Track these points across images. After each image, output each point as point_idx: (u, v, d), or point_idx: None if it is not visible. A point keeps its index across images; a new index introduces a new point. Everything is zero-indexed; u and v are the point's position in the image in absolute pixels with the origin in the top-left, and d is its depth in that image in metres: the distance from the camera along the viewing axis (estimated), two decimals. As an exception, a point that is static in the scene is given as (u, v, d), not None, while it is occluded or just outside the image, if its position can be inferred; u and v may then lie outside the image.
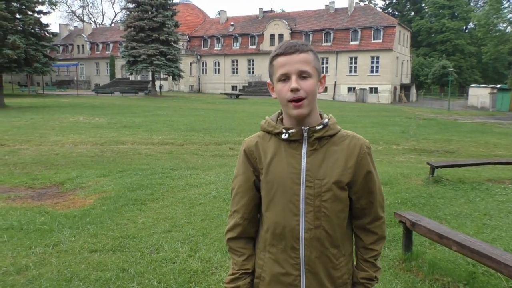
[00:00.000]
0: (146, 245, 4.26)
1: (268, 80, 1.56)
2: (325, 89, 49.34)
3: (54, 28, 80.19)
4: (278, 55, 1.45)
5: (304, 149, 1.47)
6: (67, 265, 3.77)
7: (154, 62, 41.82)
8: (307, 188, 1.46)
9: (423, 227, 3.71)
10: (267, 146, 1.52)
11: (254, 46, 54.42)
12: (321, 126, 1.47)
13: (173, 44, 44.68)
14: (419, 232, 3.81)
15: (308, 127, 1.46)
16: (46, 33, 30.53)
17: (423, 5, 74.78)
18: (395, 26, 46.51)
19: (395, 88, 48.05)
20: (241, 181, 1.58)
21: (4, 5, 25.30)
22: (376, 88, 46.43)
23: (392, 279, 3.62)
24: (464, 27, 71.37)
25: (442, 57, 63.92)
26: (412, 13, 77.56)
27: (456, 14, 69.49)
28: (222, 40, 56.87)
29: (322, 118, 1.52)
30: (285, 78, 1.44)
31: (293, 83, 1.41)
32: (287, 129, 1.47)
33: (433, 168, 7.41)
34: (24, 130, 14.80)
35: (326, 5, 53.80)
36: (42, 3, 30.19)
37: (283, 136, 1.48)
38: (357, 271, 1.59)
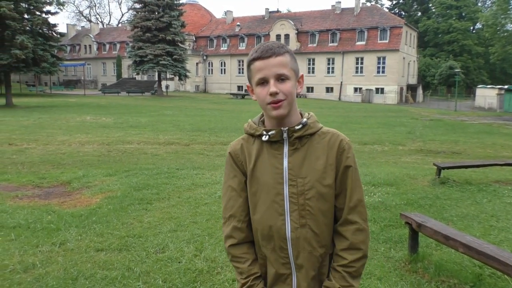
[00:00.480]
0: (151, 245, 4.28)
1: (247, 83, 1.58)
2: (331, 90, 49.29)
3: (61, 28, 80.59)
4: (254, 59, 1.46)
5: (285, 149, 1.49)
6: (73, 263, 3.80)
7: (160, 62, 41.98)
8: (290, 187, 1.47)
9: (429, 228, 3.69)
10: (251, 149, 1.54)
11: (260, 46, 54.33)
12: (300, 126, 1.48)
13: (180, 44, 44.83)
14: (425, 234, 3.79)
15: (287, 127, 1.47)
16: (53, 33, 30.72)
17: (430, 5, 74.42)
18: (401, 27, 46.31)
19: (401, 89, 47.84)
20: (233, 184, 1.57)
21: (12, 6, 25.50)
22: (382, 89, 46.26)
23: (397, 280, 3.61)
24: (471, 28, 70.93)
25: (449, 57, 63.55)
26: (419, 13, 77.20)
27: (463, 14, 69.07)
28: (228, 40, 56.94)
29: (302, 117, 1.52)
30: (263, 82, 1.45)
31: (272, 87, 1.42)
32: (267, 130, 1.49)
33: (439, 169, 7.37)
34: (31, 130, 14.91)
35: (332, 5, 53.70)
36: (50, 4, 30.37)
37: (263, 138, 1.49)
38: (326, 280, 1.52)
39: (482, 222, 5.22)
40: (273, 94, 1.42)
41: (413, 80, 52.26)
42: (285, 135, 1.48)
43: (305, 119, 1.50)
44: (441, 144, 14.02)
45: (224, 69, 57.24)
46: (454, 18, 67.50)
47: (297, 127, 1.48)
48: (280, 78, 1.43)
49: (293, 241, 1.48)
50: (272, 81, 1.43)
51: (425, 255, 4.01)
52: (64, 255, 4.01)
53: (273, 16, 56.73)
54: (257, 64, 1.45)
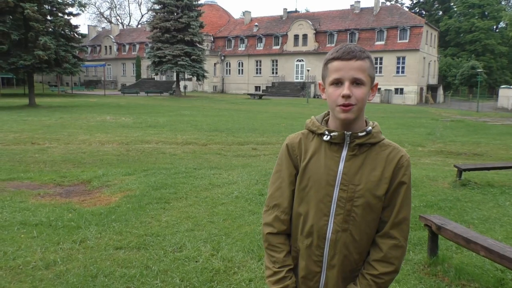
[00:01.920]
0: (169, 244, 4.32)
1: (320, 81, 1.57)
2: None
3: (83, 30, 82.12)
4: (334, 58, 1.46)
5: (344, 153, 1.49)
6: (93, 261, 3.86)
7: (179, 62, 42.34)
8: (340, 191, 1.48)
9: (449, 231, 3.63)
10: (309, 145, 1.55)
11: (278, 47, 54.37)
12: (364, 133, 1.48)
13: (198, 45, 45.15)
14: (445, 236, 3.73)
15: (350, 132, 1.47)
16: (75, 35, 31.31)
17: (452, 4, 73.11)
18: (422, 26, 45.62)
19: (421, 89, 47.14)
20: (284, 176, 1.58)
21: (36, 7, 26.08)
22: (401, 89, 45.67)
23: (416, 283, 3.56)
24: (494, 27, 69.36)
25: (471, 57, 62.33)
26: (440, 13, 75.95)
27: (486, 13, 67.63)
28: (246, 40, 57.05)
29: (367, 125, 1.51)
30: (338, 82, 1.44)
31: (346, 89, 1.42)
32: (330, 131, 1.49)
33: (460, 171, 7.24)
34: (53, 129, 15.23)
35: (351, 5, 53.28)
36: (72, 5, 30.97)
37: (325, 137, 1.50)
38: (351, 284, 1.53)
39: (505, 225, 5.10)
40: (346, 97, 1.42)
41: (433, 80, 51.42)
42: (347, 139, 1.48)
43: (370, 128, 1.49)
44: (462, 146, 13.75)
45: (242, 70, 57.36)
46: (476, 17, 66.15)
47: (360, 134, 1.47)
48: (356, 82, 1.43)
49: (332, 242, 1.49)
50: (347, 84, 1.42)
51: (445, 258, 3.94)
52: (84, 252, 4.08)
53: (291, 16, 56.58)
54: (336, 64, 1.45)
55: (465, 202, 6.08)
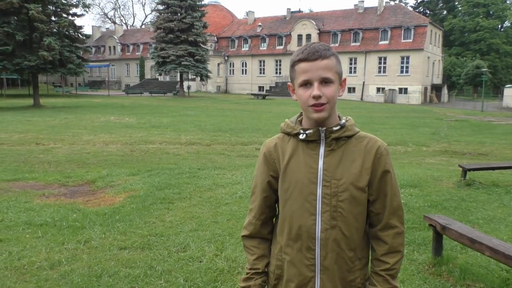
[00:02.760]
0: (173, 244, 4.32)
1: (289, 82, 1.58)
2: (353, 90, 48.79)
3: (87, 30, 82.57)
4: (300, 60, 1.46)
5: (322, 149, 1.49)
6: (97, 261, 3.87)
7: (182, 63, 42.40)
8: (323, 188, 1.47)
9: (454, 231, 3.61)
10: (286, 147, 1.55)
11: (281, 47, 54.35)
12: (338, 127, 1.48)
13: (201, 45, 45.19)
14: (450, 236, 3.71)
15: (325, 128, 1.48)
16: (79, 35, 31.44)
17: (456, 3, 72.81)
18: (426, 25, 45.47)
19: (425, 89, 46.98)
20: (257, 182, 1.62)
21: (40, 8, 26.21)
22: (406, 89, 45.53)
23: (421, 283, 3.54)
24: (499, 26, 69.01)
25: (475, 56, 62.05)
26: (445, 12, 75.66)
27: (491, 12, 67.29)
28: (249, 40, 57.07)
29: (340, 120, 1.52)
30: (307, 84, 1.44)
31: (316, 90, 1.42)
32: (304, 129, 1.50)
33: (465, 171, 7.20)
34: (58, 129, 15.29)
35: (355, 5, 53.17)
36: (76, 6, 31.13)
37: (300, 136, 1.50)
38: (368, 286, 1.53)
39: (510, 225, 5.07)
40: (316, 98, 1.42)
41: (438, 80, 51.23)
42: (322, 135, 1.48)
43: (343, 121, 1.50)
44: (467, 145, 13.70)
45: (245, 70, 57.38)
46: (481, 16, 65.82)
47: (335, 128, 1.48)
48: (324, 82, 1.43)
49: (322, 241, 1.48)
50: (316, 84, 1.42)
51: (450, 258, 3.92)
52: (89, 252, 4.09)
53: (295, 16, 56.55)
54: (302, 65, 1.45)
55: (470, 202, 6.05)
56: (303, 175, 1.49)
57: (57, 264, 3.80)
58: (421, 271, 3.79)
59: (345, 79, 1.53)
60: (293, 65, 1.49)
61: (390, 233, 1.51)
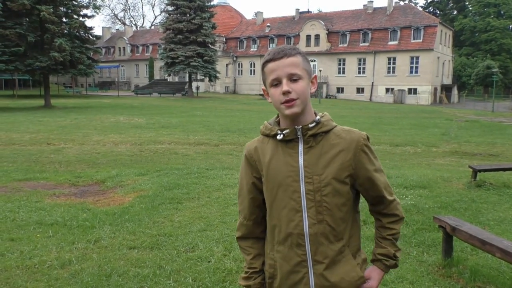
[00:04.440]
0: (182, 244, 4.34)
1: (263, 86, 1.62)
2: (362, 90, 48.57)
3: (97, 31, 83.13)
4: (267, 61, 1.51)
5: (300, 147, 1.52)
6: (107, 260, 3.90)
7: (191, 63, 42.57)
8: (306, 184, 1.50)
9: (464, 232, 3.58)
10: (266, 149, 1.58)
11: (290, 47, 54.20)
12: (313, 124, 1.52)
13: (210, 46, 45.32)
14: (460, 238, 3.68)
15: (301, 126, 1.51)
16: (90, 36, 31.73)
17: (467, 3, 72.13)
18: (436, 26, 45.13)
19: (435, 89, 46.62)
20: (242, 184, 1.67)
21: (52, 10, 26.49)
22: (415, 89, 45.22)
23: (431, 285, 3.52)
24: (510, 26, 68.20)
25: (486, 57, 61.40)
26: (455, 12, 75.04)
27: (502, 12, 66.57)
28: (258, 41, 57.10)
29: (316, 116, 1.56)
30: (277, 82, 1.49)
31: (284, 86, 1.47)
32: (281, 130, 1.53)
33: (475, 172, 7.13)
34: (68, 130, 15.44)
35: (364, 5, 52.96)
36: (87, 7, 31.43)
37: (278, 137, 1.53)
38: (375, 249, 1.63)
39: (521, 228, 5.01)
40: (286, 93, 1.46)
41: (448, 80, 50.81)
42: (299, 133, 1.51)
43: (318, 117, 1.54)
44: (477, 146, 13.56)
45: (254, 70, 57.40)
46: (492, 16, 65.13)
47: (310, 125, 1.51)
48: (293, 78, 1.48)
49: (311, 236, 1.51)
50: (284, 81, 1.47)
51: (460, 259, 3.89)
52: (99, 252, 4.12)
53: (304, 17, 56.46)
54: (270, 65, 1.50)
55: (480, 203, 5.99)
56: (285, 174, 1.52)
57: (67, 263, 3.84)
58: (431, 272, 3.76)
59: (315, 76, 1.57)
60: (262, 67, 1.55)
61: (393, 207, 1.61)
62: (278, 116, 1.62)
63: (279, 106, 1.50)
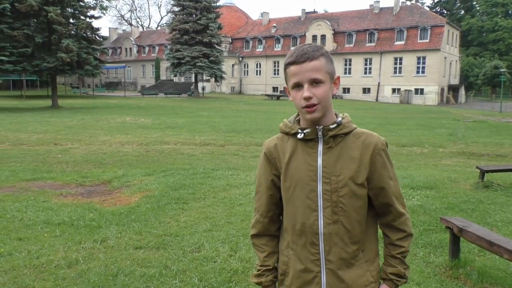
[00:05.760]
0: (188, 244, 4.35)
1: (285, 85, 1.62)
2: (368, 91, 48.40)
3: (104, 32, 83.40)
4: (290, 63, 1.50)
5: (320, 147, 1.53)
6: (113, 260, 3.92)
7: (197, 64, 42.66)
8: (324, 184, 1.51)
9: (471, 233, 3.56)
10: (285, 147, 1.59)
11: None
12: (334, 125, 1.52)
13: (216, 46, 45.38)
14: (467, 239, 3.66)
15: (322, 126, 1.51)
16: (97, 37, 31.90)
17: (474, 3, 71.65)
18: (443, 25, 44.85)
19: (442, 89, 46.32)
20: (261, 181, 1.67)
21: (59, 11, 26.68)
22: (422, 89, 44.96)
23: (438, 286, 3.50)
24: (519, 25, 67.67)
25: (494, 57, 60.94)
26: (462, 12, 74.53)
27: (510, 12, 66.09)
28: (264, 41, 57.08)
29: (337, 117, 1.56)
30: (298, 86, 1.49)
31: (305, 91, 1.46)
32: (302, 129, 1.53)
33: (483, 172, 7.08)
34: (75, 130, 15.54)
35: (370, 5, 52.74)
36: (94, 8, 31.64)
37: (298, 135, 1.54)
38: (386, 267, 1.62)
39: (529, 229, 4.96)
40: (307, 99, 1.46)
41: (455, 81, 50.47)
42: (319, 133, 1.52)
43: (339, 119, 1.54)
44: (485, 147, 13.46)
45: (260, 71, 57.39)
46: (500, 16, 64.67)
47: (331, 126, 1.51)
48: (314, 82, 1.47)
49: (325, 236, 1.52)
50: (306, 86, 1.46)
51: (467, 261, 3.86)
52: (105, 252, 4.14)
53: (310, 17, 56.36)
54: (292, 68, 1.49)
55: (488, 204, 5.94)
56: (303, 173, 1.53)
57: (74, 263, 3.86)
58: (437, 273, 3.74)
59: (338, 77, 1.56)
60: (285, 68, 1.54)
61: (402, 221, 1.59)
62: (298, 115, 1.61)
63: (300, 109, 1.51)
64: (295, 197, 1.55)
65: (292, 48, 1.53)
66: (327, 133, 1.51)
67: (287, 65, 1.51)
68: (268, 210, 1.66)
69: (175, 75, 48.53)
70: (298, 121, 1.60)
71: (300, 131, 1.53)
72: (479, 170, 7.20)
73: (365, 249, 1.56)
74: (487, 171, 7.07)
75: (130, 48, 68.43)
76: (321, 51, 1.49)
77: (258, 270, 1.68)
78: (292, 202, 1.56)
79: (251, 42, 58.22)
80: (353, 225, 1.52)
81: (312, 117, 1.48)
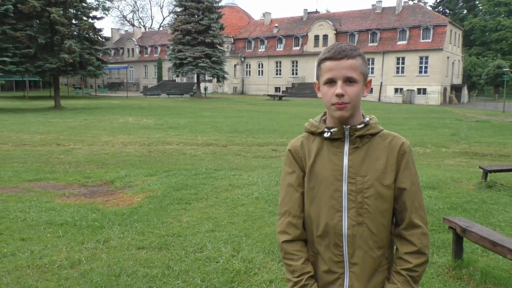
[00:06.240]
0: (190, 244, 4.35)
1: (315, 80, 1.60)
2: (371, 90, 48.30)
3: (106, 33, 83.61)
4: (326, 59, 1.49)
5: (346, 147, 1.51)
6: (116, 260, 3.93)
7: (199, 64, 42.69)
8: (349, 185, 1.49)
9: (474, 233, 3.55)
10: (311, 146, 1.57)
11: (298, 48, 54.21)
12: (362, 125, 1.50)
13: (218, 47, 45.40)
14: (471, 239, 3.64)
15: (349, 126, 1.50)
16: (99, 38, 31.95)
17: (477, 2, 71.47)
18: (446, 25, 44.75)
19: (445, 89, 46.21)
20: (290, 180, 1.59)
21: (62, 12, 26.74)
22: (424, 89, 44.87)
23: (441, 286, 3.49)
24: (521, 25, 67.44)
25: (497, 56, 60.74)
26: (465, 11, 74.36)
27: (513, 11, 65.84)
28: (266, 41, 57.09)
29: (364, 118, 1.55)
30: (331, 82, 1.47)
31: (339, 88, 1.45)
32: (329, 128, 1.52)
33: (486, 172, 7.06)
34: (78, 131, 15.57)
35: (373, 5, 52.66)
36: (96, 9, 31.64)
37: (325, 134, 1.52)
38: (387, 284, 1.50)
39: (533, 229, 4.95)
40: (339, 96, 1.45)
41: (457, 80, 50.34)
42: (346, 133, 1.51)
43: (367, 119, 1.53)
44: (488, 147, 13.42)
45: (262, 71, 57.40)
46: (502, 15, 64.48)
47: (359, 126, 1.50)
48: (348, 81, 1.45)
49: (349, 238, 1.48)
50: (340, 83, 1.45)
51: (470, 261, 3.85)
52: (108, 252, 4.15)
53: (312, 17, 56.32)
54: (328, 64, 1.48)
55: (491, 204, 5.92)
56: (328, 173, 1.51)
57: (77, 263, 3.87)
58: (440, 274, 3.73)
59: (370, 80, 1.55)
60: (319, 63, 1.52)
61: (415, 233, 1.48)
62: (325, 114, 1.60)
63: (329, 106, 1.49)
64: (319, 196, 1.52)
65: (328, 46, 1.52)
66: (354, 133, 1.50)
67: (322, 60, 1.50)
68: (302, 210, 1.57)
69: (177, 76, 48.60)
70: (324, 121, 1.58)
71: (326, 130, 1.52)
72: (482, 170, 7.18)
73: (388, 256, 1.53)
74: (490, 171, 7.05)
75: (132, 49, 68.54)
76: (358, 51, 1.49)
77: (297, 282, 1.49)
78: (316, 202, 1.53)
79: (253, 42, 58.24)
80: (378, 228, 1.48)
81: (341, 114, 1.47)
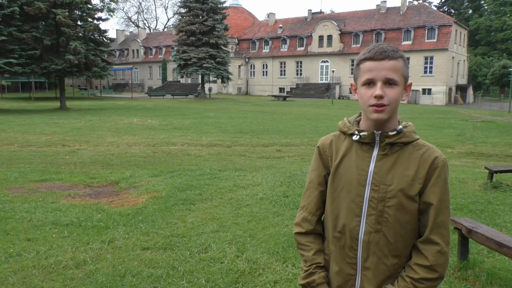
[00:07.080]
0: (195, 244, 4.36)
1: (352, 81, 1.57)
2: (376, 91, 48.14)
3: (111, 34, 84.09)
4: (366, 59, 1.44)
5: (375, 153, 1.47)
6: (121, 261, 3.94)
7: (204, 65, 42.79)
8: (371, 191, 1.46)
9: (480, 234, 3.53)
10: (340, 146, 1.55)
11: (302, 48, 54.18)
12: (394, 132, 1.45)
13: (223, 47, 45.49)
14: (476, 240, 3.63)
15: (380, 132, 1.45)
16: (104, 39, 32.09)
17: (482, 2, 71.13)
18: (451, 25, 44.57)
19: (450, 89, 46.02)
20: (312, 177, 1.61)
21: (67, 13, 26.88)
22: (429, 89, 44.72)
23: (446, 287, 3.47)
24: (527, 24, 67.05)
25: (502, 56, 60.45)
26: (470, 11, 74.04)
27: (518, 10, 65.45)
28: (270, 42, 57.12)
29: (399, 125, 1.48)
30: (370, 83, 1.43)
31: (378, 90, 1.40)
32: (359, 131, 1.49)
33: (491, 173, 7.02)
34: (83, 131, 15.64)
35: (377, 5, 52.57)
36: (101, 10, 31.79)
37: (354, 137, 1.50)
38: (389, 285, 1.47)
39: (539, 230, 4.91)
40: (378, 97, 1.40)
41: (463, 80, 50.13)
42: (377, 138, 1.46)
43: (400, 126, 1.46)
44: (493, 147, 13.34)
45: (266, 71, 57.43)
46: (508, 15, 64.11)
47: (390, 133, 1.45)
48: (389, 83, 1.41)
49: (365, 243, 1.47)
50: (379, 84, 1.41)
51: (476, 262, 3.83)
52: (113, 252, 4.16)
53: (316, 17, 56.30)
54: (368, 64, 1.43)
55: (497, 205, 5.89)
56: (353, 176, 1.48)
57: (82, 263, 3.89)
58: (446, 275, 3.70)
59: (410, 84, 1.50)
60: (358, 63, 1.48)
61: (431, 249, 1.42)
62: (359, 115, 1.57)
63: (367, 107, 1.44)
64: (341, 198, 1.51)
65: (369, 46, 1.48)
66: (384, 139, 1.45)
67: (362, 60, 1.45)
68: (318, 208, 1.59)
69: (182, 76, 48.72)
70: (358, 122, 1.55)
71: (356, 132, 1.48)
72: (488, 171, 7.14)
73: (404, 265, 1.48)
74: (496, 172, 7.01)
75: (137, 50, 68.81)
76: (400, 52, 1.44)
77: (307, 270, 1.57)
78: (336, 203, 1.52)
79: (257, 43, 58.29)
80: (396, 238, 1.44)
81: (378, 117, 1.41)
